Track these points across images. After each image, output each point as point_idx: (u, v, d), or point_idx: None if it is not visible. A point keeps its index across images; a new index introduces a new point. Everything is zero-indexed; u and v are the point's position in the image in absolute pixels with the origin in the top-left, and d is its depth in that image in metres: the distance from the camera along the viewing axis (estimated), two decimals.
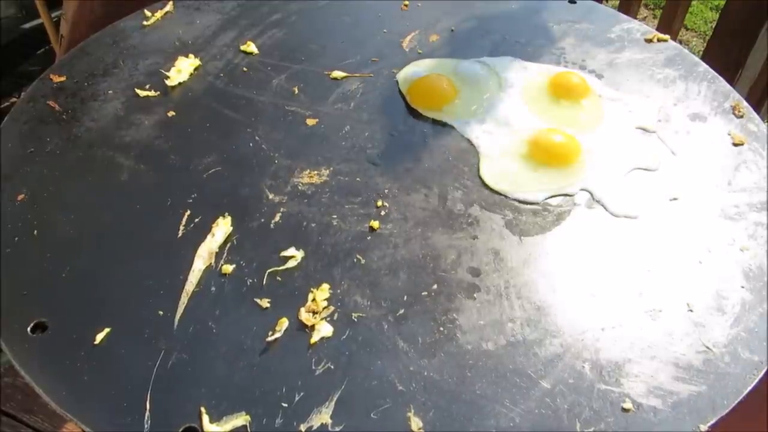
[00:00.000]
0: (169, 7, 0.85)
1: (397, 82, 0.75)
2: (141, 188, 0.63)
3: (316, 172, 0.65)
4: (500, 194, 0.63)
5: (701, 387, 0.49)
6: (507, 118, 0.71)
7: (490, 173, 0.65)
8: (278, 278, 0.56)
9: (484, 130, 0.69)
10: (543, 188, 0.64)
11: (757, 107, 1.20)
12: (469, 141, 0.69)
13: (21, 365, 0.49)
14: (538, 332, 0.52)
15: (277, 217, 0.61)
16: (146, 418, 0.46)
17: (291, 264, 0.57)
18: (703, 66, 0.78)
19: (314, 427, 0.46)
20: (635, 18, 1.06)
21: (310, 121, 0.70)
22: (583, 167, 0.66)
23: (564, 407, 0.48)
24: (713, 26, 1.40)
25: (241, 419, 0.46)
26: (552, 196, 0.63)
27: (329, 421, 0.46)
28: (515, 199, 0.63)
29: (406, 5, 0.87)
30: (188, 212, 0.60)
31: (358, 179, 0.64)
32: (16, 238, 0.58)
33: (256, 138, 0.68)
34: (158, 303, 0.53)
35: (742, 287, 0.56)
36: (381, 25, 0.84)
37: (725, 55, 1.25)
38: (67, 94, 0.72)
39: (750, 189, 0.64)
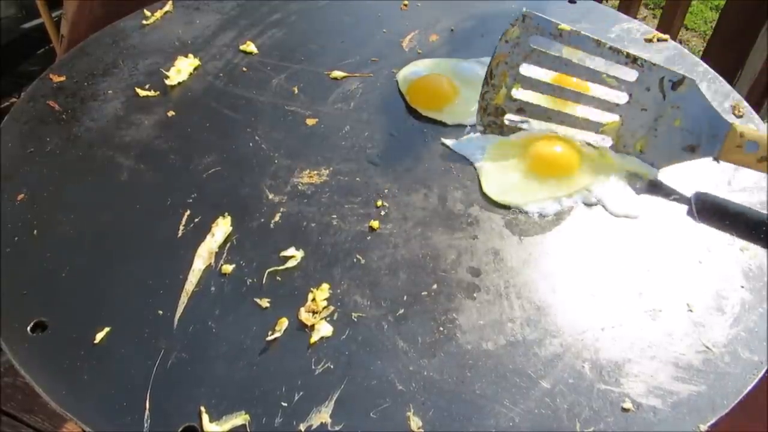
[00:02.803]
0: (168, 6, 0.85)
1: (397, 82, 0.76)
2: (141, 188, 0.63)
3: (316, 172, 0.65)
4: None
5: (701, 387, 0.49)
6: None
7: (492, 189, 0.63)
8: (278, 278, 0.56)
9: (477, 146, 0.68)
10: (550, 198, 0.62)
11: (757, 107, 1.20)
12: None
13: (21, 365, 0.49)
14: (537, 332, 0.52)
15: (277, 217, 0.61)
16: (146, 417, 0.46)
17: (291, 264, 0.57)
18: (703, 66, 0.78)
19: (314, 427, 0.46)
20: (635, 18, 1.06)
21: (310, 121, 0.70)
22: (585, 171, 0.65)
23: (564, 407, 0.48)
24: (713, 26, 1.40)
25: (240, 418, 0.46)
26: (560, 205, 0.62)
27: (329, 421, 0.46)
28: (522, 210, 0.62)
29: (405, 5, 0.88)
30: (188, 212, 0.60)
31: (357, 179, 0.64)
32: (16, 238, 0.58)
33: (256, 138, 0.68)
34: (158, 303, 0.53)
35: (742, 287, 0.56)
36: (381, 25, 0.84)
37: (725, 55, 1.25)
38: (67, 94, 0.72)
39: (750, 189, 0.64)
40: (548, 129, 0.67)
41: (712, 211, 0.62)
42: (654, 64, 0.61)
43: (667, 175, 0.65)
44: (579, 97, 0.65)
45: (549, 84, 0.66)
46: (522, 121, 0.68)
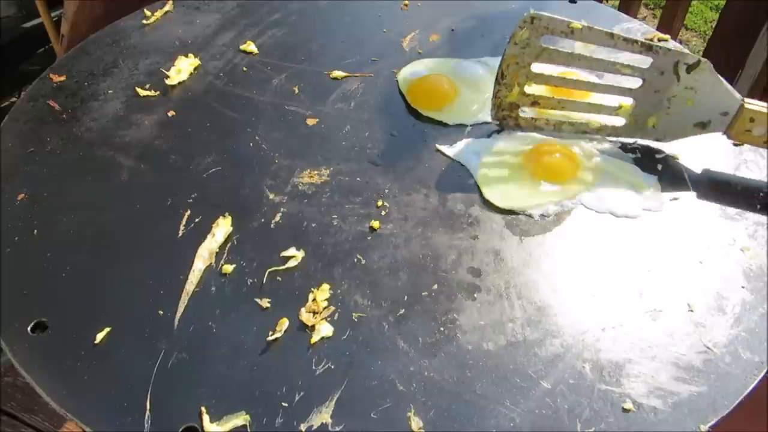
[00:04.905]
0: (168, 6, 0.85)
1: (397, 82, 0.75)
2: (141, 188, 0.63)
3: (316, 172, 0.65)
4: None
5: (702, 387, 0.49)
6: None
7: (494, 196, 0.63)
8: (278, 278, 0.56)
9: (473, 152, 0.67)
10: (552, 201, 0.62)
11: None
12: None
13: (21, 365, 0.49)
14: (538, 332, 0.52)
15: (278, 217, 0.60)
16: (146, 417, 0.46)
17: (291, 264, 0.56)
18: None
19: (314, 427, 0.46)
20: (635, 18, 1.06)
21: (310, 121, 0.70)
22: (585, 172, 0.65)
23: (564, 407, 0.48)
24: (713, 26, 1.40)
25: (241, 419, 0.46)
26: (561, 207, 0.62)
27: (329, 421, 0.46)
28: (524, 214, 0.62)
29: (406, 5, 0.88)
30: (188, 212, 0.60)
31: (358, 179, 0.64)
32: (16, 238, 0.58)
33: (256, 138, 0.68)
34: (158, 303, 0.53)
35: (743, 287, 0.56)
36: (381, 25, 0.84)
37: (725, 55, 1.25)
38: (67, 94, 0.72)
39: (750, 188, 0.64)
40: (560, 119, 0.68)
41: (712, 210, 0.62)
42: (669, 49, 0.62)
43: (667, 174, 0.65)
44: (592, 87, 0.67)
45: (562, 78, 0.67)
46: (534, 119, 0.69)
